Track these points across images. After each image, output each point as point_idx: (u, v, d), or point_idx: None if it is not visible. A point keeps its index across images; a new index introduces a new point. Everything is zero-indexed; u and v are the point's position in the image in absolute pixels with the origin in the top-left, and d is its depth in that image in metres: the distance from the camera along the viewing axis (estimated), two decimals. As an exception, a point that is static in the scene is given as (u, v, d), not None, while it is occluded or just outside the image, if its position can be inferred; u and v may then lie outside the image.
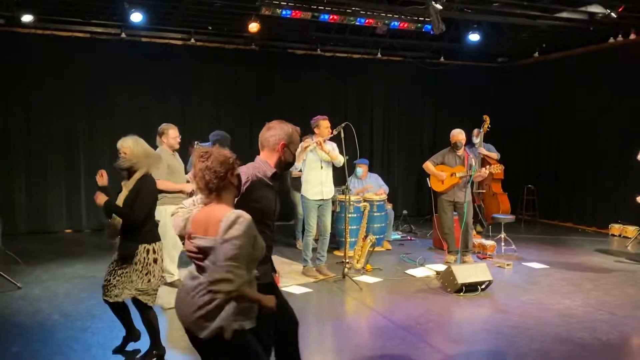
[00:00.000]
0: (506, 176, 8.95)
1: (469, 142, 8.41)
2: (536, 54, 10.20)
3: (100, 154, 8.62)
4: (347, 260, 6.31)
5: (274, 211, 2.86)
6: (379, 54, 10.30)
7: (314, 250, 6.40)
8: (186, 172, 5.95)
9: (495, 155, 8.96)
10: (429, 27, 8.54)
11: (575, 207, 9.99)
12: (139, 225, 3.70)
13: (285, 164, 2.92)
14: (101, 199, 3.71)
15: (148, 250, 3.73)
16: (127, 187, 3.71)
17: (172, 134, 5.70)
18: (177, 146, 5.76)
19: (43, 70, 8.31)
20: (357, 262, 6.58)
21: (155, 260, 3.75)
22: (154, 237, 3.81)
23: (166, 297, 5.33)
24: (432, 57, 10.62)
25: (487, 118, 8.78)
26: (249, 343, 2.43)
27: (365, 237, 6.69)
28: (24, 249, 6.97)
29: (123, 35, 8.55)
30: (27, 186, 8.41)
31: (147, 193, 3.73)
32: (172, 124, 5.82)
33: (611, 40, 8.81)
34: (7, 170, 8.33)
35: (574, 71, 9.82)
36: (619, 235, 8.78)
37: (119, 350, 3.99)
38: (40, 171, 8.48)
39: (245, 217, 2.34)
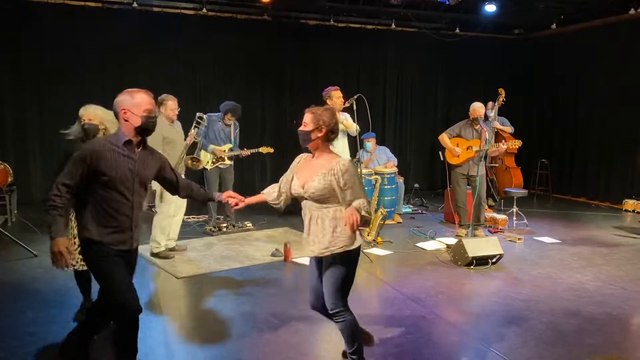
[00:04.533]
0: (520, 150, 8.84)
1: (484, 116, 8.32)
2: (554, 26, 9.95)
3: (112, 124, 8.67)
4: (357, 233, 6.32)
5: (131, 178, 2.89)
6: (393, 24, 10.13)
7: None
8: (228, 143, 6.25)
9: (509, 129, 8.88)
10: (445, -3, 8.41)
11: (589, 183, 9.89)
12: None
13: (139, 129, 2.91)
14: None
15: None
16: None
17: (171, 105, 5.67)
18: (174, 118, 5.73)
19: (54, 40, 8.27)
20: (368, 235, 6.60)
21: None
22: None
23: (178, 266, 5.42)
24: (447, 28, 10.42)
25: (502, 91, 8.66)
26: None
27: (376, 210, 6.69)
28: (40, 218, 7.05)
29: (135, 4, 8.47)
30: (41, 155, 8.48)
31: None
32: (172, 95, 5.78)
33: (632, 11, 8.57)
34: (21, 140, 8.40)
35: (593, 43, 9.57)
36: (633, 211, 8.70)
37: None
38: (54, 140, 8.50)
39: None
